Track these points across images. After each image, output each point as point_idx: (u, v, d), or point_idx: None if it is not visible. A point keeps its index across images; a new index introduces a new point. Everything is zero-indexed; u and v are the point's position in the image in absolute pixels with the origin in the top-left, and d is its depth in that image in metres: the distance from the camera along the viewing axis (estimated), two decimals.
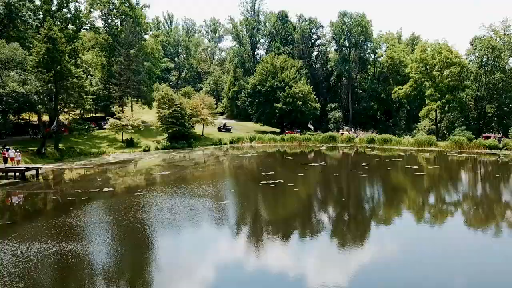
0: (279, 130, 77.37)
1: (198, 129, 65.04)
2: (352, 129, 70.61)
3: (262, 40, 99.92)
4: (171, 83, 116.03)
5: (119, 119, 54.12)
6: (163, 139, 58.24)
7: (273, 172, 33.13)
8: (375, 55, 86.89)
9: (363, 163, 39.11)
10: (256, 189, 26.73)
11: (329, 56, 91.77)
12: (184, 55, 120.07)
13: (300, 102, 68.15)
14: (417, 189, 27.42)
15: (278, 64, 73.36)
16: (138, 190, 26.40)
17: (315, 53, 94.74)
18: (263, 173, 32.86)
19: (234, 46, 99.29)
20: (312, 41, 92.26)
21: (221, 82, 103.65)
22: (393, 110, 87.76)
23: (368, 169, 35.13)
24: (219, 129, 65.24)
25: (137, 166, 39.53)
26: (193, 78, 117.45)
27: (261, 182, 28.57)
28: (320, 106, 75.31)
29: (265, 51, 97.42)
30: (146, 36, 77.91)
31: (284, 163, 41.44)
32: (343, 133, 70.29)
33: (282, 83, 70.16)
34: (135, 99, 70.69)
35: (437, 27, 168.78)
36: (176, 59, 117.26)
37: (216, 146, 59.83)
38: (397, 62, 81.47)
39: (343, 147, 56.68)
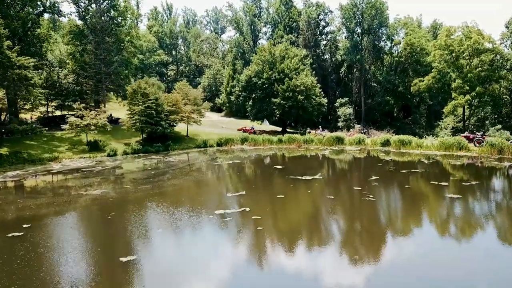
0: (280, 129, 67.88)
1: (183, 128, 56.05)
2: (320, 129, 60.60)
3: (264, 29, 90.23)
4: (169, 78, 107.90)
5: (81, 117, 45.44)
6: (137, 141, 49.48)
7: (243, 192, 23.72)
8: (391, 43, 75.99)
9: (372, 175, 29.23)
10: (196, 228, 17.34)
11: (339, 45, 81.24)
12: (183, 48, 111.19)
13: (302, 97, 58.17)
14: (449, 231, 17.52)
15: (278, 53, 63.47)
16: (24, 225, 17.36)
17: (323, 43, 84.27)
18: (230, 194, 23.54)
19: (234, 35, 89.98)
20: (320, 28, 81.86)
21: (220, 76, 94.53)
22: (412, 105, 76.89)
23: (377, 187, 25.29)
24: None
25: (77, 179, 30.64)
26: (193, 72, 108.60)
27: (216, 211, 19.31)
28: (327, 101, 65.16)
29: (267, 40, 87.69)
30: (142, 25, 69.25)
31: (268, 175, 31.81)
32: (309, 132, 60.41)
33: (281, 74, 60.30)
34: (115, 94, 62.35)
35: (463, 13, 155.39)
36: (173, 52, 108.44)
37: (200, 149, 50.57)
38: (418, 49, 70.56)
39: (352, 151, 46.64)
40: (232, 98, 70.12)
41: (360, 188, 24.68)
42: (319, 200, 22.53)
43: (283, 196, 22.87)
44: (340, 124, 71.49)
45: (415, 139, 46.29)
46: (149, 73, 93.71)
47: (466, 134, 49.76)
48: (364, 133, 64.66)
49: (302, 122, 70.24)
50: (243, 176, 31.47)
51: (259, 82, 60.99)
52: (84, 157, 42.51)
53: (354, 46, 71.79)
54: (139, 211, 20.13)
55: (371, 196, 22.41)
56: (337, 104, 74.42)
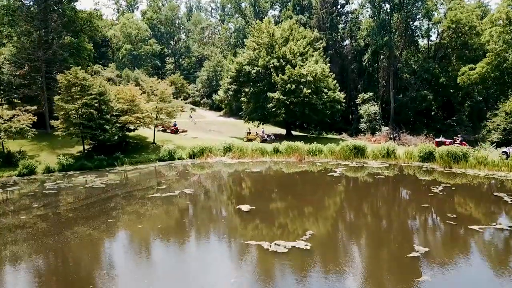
0: (284, 132, 53.43)
1: (150, 133, 42.58)
2: (262, 129, 46.17)
3: (271, 12, 75.50)
4: (167, 72, 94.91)
5: None
6: (79, 152, 36.27)
7: None
8: (429, 21, 59.57)
9: (415, 240, 14.49)
10: None
11: (362, 27, 65.55)
12: (184, 37, 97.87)
13: (309, 90, 43.19)
14: None
15: (280, 34, 48.72)
16: None
17: (342, 26, 68.70)
18: None
19: (235, 19, 75.80)
20: (338, 7, 66.45)
21: (221, 68, 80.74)
22: (457, 102, 60.28)
23: None
24: None
25: None
26: (193, 65, 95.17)
27: None
28: (344, 96, 49.77)
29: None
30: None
31: (206, 236, 17.21)
32: (249, 132, 46.33)
33: (282, 60, 45.59)
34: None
35: None
36: (171, 42, 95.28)
37: (166, 162, 36.62)
38: (465, 29, 54.07)
39: (376, 169, 31.38)
40: (221, 93, 55.72)
41: None
42: None
43: None
44: (362, 125, 56.19)
45: (475, 152, 30.58)
46: (139, 66, 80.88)
47: (440, 139, 38.65)
48: (394, 138, 49.27)
49: (314, 123, 55.49)
50: (158, 238, 16.98)
51: (253, 71, 46.43)
52: None
53: (381, 26, 55.99)
54: None
55: None
56: (358, 101, 59.08)
